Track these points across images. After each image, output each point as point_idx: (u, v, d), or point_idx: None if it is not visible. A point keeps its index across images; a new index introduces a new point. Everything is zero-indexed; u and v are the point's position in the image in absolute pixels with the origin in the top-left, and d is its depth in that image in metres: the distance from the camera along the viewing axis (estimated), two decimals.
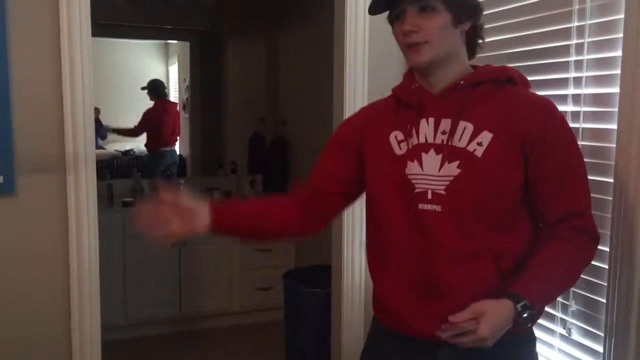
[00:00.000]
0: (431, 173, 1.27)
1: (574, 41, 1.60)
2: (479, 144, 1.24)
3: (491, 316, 1.13)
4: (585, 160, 1.56)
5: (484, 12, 1.37)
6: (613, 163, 1.48)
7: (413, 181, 1.28)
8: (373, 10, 1.34)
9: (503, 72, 1.30)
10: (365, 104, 2.27)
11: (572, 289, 1.61)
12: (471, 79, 1.28)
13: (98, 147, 4.08)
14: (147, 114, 4.37)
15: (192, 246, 3.73)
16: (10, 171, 1.92)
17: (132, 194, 3.89)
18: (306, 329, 3.05)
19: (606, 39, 1.52)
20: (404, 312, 1.32)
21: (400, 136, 1.32)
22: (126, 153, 4.56)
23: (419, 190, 1.27)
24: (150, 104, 4.38)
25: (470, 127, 1.26)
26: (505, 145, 1.24)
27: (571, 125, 1.58)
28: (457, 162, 1.25)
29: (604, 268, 1.53)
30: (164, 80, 4.54)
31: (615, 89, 1.48)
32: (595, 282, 1.56)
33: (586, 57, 1.57)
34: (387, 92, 1.45)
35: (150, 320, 3.64)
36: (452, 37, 1.27)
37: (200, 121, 4.48)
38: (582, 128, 1.59)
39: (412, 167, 1.29)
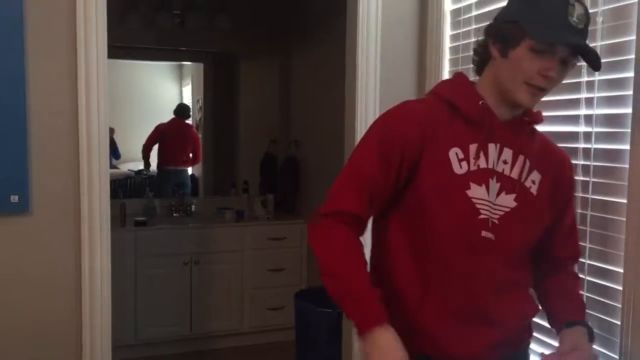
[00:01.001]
0: (491, 200, 1.25)
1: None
2: (533, 182, 1.29)
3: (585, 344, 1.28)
4: (597, 180, 1.58)
5: None
6: (626, 184, 1.48)
7: (477, 205, 1.23)
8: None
9: (541, 117, 1.32)
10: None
11: (587, 310, 1.59)
12: (531, 118, 1.30)
13: (112, 166, 4.12)
14: (158, 128, 4.43)
15: (204, 265, 3.73)
16: (25, 191, 1.95)
17: (144, 213, 3.91)
18: (317, 349, 3.03)
19: (618, 59, 1.52)
20: (449, 338, 1.26)
21: (461, 154, 1.24)
22: (139, 172, 4.59)
23: (483, 216, 1.24)
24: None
25: (527, 164, 1.29)
26: (548, 189, 1.31)
27: (583, 145, 1.60)
28: (514, 195, 1.26)
29: (618, 290, 1.51)
30: (177, 101, 4.60)
31: (628, 110, 1.47)
32: (609, 303, 1.54)
33: (598, 77, 1.57)
34: None
35: (160, 340, 3.63)
36: None
37: (213, 141, 4.51)
38: (594, 148, 1.58)
39: (478, 191, 1.23)
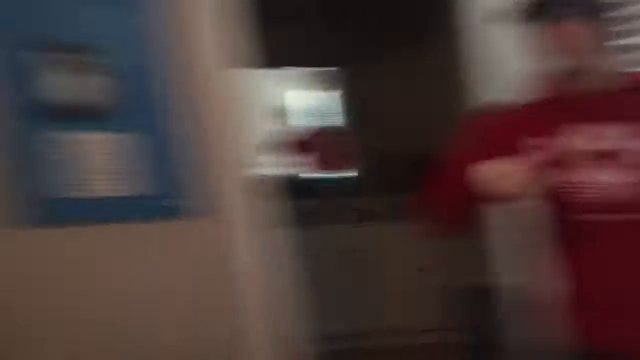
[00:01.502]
0: (611, 181, 1.26)
1: None
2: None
3: None
4: None
5: None
6: None
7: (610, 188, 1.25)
8: None
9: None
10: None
11: None
12: (626, 85, 1.32)
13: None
14: (296, 138, 4.68)
15: (360, 262, 3.78)
16: (200, 194, 2.06)
17: (305, 214, 4.04)
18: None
19: None
20: None
21: (567, 138, 1.29)
22: (294, 177, 4.76)
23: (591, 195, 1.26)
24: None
25: (627, 130, 1.27)
26: None
27: None
28: (617, 168, 1.25)
29: None
30: (322, 106, 4.74)
31: None
32: None
33: None
34: None
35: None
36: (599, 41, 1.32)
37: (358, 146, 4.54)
38: None
39: (592, 175, 1.27)
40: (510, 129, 1.36)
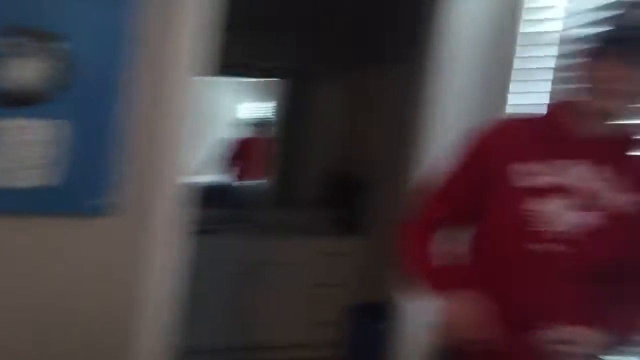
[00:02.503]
0: (569, 214, 1.29)
1: None
2: (623, 200, 1.29)
3: None
4: None
5: None
6: None
7: (546, 219, 1.29)
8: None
9: (635, 134, 1.37)
10: (447, 139, 2.15)
11: None
12: (623, 135, 1.34)
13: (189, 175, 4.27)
14: (236, 143, 4.60)
15: (261, 277, 3.78)
16: (116, 192, 2.05)
17: (209, 222, 3.91)
18: None
19: None
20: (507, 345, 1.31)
21: (536, 168, 1.31)
22: (213, 183, 4.71)
23: (551, 229, 1.29)
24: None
25: (616, 181, 1.30)
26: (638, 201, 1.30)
27: None
28: (598, 213, 1.28)
29: None
30: (248, 116, 4.75)
31: None
32: None
33: None
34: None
35: (207, 348, 3.65)
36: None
37: (286, 156, 4.58)
38: None
39: (550, 204, 1.29)
40: (504, 150, 1.37)
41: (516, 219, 1.30)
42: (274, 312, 3.86)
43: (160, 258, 2.16)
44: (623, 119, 1.32)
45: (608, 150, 1.31)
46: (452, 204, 1.43)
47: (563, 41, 2.04)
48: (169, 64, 2.09)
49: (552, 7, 2.14)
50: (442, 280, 1.39)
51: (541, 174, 1.30)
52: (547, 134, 1.34)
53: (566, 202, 1.28)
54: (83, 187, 2.02)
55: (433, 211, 1.46)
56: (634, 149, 1.35)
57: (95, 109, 2.00)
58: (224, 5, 2.19)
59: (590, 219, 1.27)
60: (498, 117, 1.55)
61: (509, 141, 1.37)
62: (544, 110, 1.45)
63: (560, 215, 1.28)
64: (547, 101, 1.78)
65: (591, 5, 1.93)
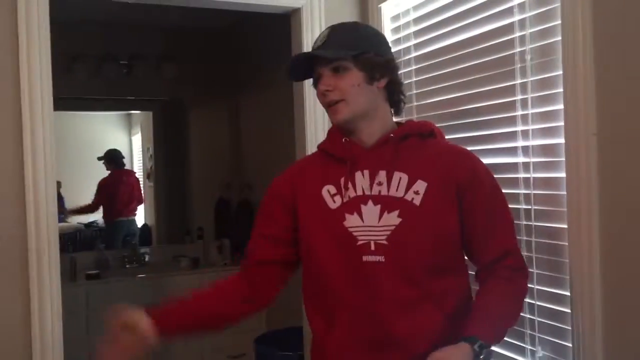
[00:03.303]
0: (372, 224, 1.30)
1: (519, 97, 1.70)
2: (416, 193, 1.31)
3: None
4: (538, 207, 1.65)
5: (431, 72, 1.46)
6: (565, 209, 1.55)
7: (354, 233, 1.31)
8: (294, 77, 1.45)
9: (427, 127, 1.41)
10: None
11: (538, 334, 1.65)
12: (400, 133, 1.36)
13: (60, 220, 4.02)
14: (101, 184, 4.35)
15: None
16: None
17: (96, 266, 3.81)
18: None
19: (548, 93, 1.62)
20: None
21: (333, 190, 1.35)
22: (89, 225, 4.49)
23: (362, 242, 1.30)
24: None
25: (405, 177, 1.32)
26: (441, 192, 1.32)
27: (523, 175, 1.68)
28: (397, 212, 1.30)
29: (566, 312, 1.57)
30: (127, 150, 4.55)
31: (561, 140, 1.56)
32: (559, 326, 1.59)
33: (531, 111, 1.66)
34: None
35: None
36: (368, 94, 1.34)
37: (165, 189, 4.47)
38: (533, 178, 1.66)
39: (352, 220, 1.31)
40: (290, 184, 1.43)
41: (343, 238, 1.31)
42: (179, 350, 3.66)
43: (37, 311, 1.98)
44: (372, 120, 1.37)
45: (390, 151, 1.34)
46: (271, 242, 1.44)
47: None
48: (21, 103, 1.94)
49: None
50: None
51: (346, 190, 1.33)
52: (339, 154, 1.38)
53: (373, 210, 1.31)
54: None
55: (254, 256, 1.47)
56: (427, 140, 1.39)
57: None
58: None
59: (393, 221, 1.29)
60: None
61: (308, 175, 1.42)
62: None
63: (376, 224, 1.30)
64: None
65: None
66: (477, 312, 1.31)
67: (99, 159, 4.30)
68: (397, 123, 1.43)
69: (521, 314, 1.50)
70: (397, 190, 1.31)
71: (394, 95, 1.40)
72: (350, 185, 1.33)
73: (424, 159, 1.35)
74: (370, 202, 1.31)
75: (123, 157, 4.44)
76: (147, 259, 4.07)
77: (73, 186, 4.29)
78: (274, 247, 1.42)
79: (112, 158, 4.36)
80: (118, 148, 4.46)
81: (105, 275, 3.70)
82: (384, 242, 1.29)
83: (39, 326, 1.97)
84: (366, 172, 1.34)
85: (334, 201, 1.34)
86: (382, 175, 1.32)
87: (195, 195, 4.42)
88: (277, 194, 1.45)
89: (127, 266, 3.99)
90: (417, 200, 1.30)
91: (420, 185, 1.31)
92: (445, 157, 1.36)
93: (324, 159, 1.41)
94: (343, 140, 1.37)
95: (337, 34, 1.35)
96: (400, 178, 1.32)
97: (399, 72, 1.45)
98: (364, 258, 1.29)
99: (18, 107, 1.94)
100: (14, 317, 1.96)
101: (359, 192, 1.33)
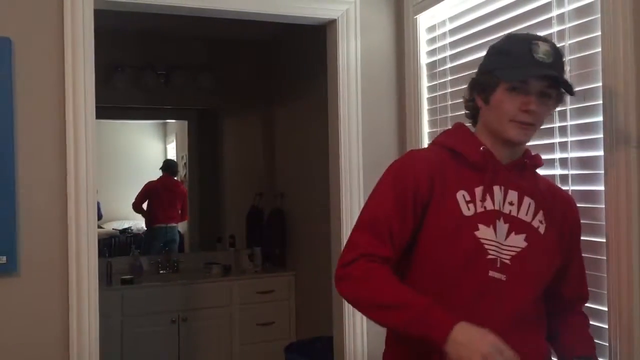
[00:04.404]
0: (500, 241, 1.29)
1: (557, 108, 1.67)
2: (540, 222, 1.33)
3: None
4: None
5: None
6: (603, 223, 1.53)
7: (485, 246, 1.28)
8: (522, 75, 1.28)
9: (541, 160, 1.42)
10: (361, 174, 2.36)
11: None
12: (532, 160, 1.39)
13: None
14: (147, 186, 4.45)
15: (192, 322, 3.69)
16: (13, 251, 1.94)
17: (130, 272, 3.88)
18: None
19: (587, 105, 1.60)
20: None
21: (468, 196, 1.30)
22: (124, 231, 4.58)
23: (491, 257, 1.28)
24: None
25: (533, 204, 1.33)
26: (558, 229, 1.36)
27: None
28: (524, 235, 1.31)
29: (604, 328, 1.54)
30: (161, 158, 4.63)
31: (599, 152, 1.54)
32: (597, 342, 1.56)
33: (569, 123, 1.65)
34: (382, 161, 1.49)
35: None
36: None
37: (199, 197, 4.53)
38: (571, 190, 1.64)
39: (485, 232, 1.28)
40: (429, 179, 1.31)
41: (473, 247, 1.28)
42: (209, 357, 3.72)
43: (76, 313, 2.02)
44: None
45: (520, 174, 1.35)
46: (393, 242, 1.30)
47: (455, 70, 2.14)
48: (65, 112, 2.00)
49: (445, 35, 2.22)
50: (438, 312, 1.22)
51: (482, 200, 1.30)
52: (477, 161, 1.33)
53: (502, 228, 1.30)
54: None
55: (373, 247, 1.30)
56: (536, 171, 1.42)
57: None
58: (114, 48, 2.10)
59: (519, 243, 1.30)
60: (410, 149, 1.52)
61: (444, 172, 1.33)
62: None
63: (503, 242, 1.29)
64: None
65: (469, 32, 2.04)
66: (583, 335, 1.43)
67: (160, 168, 4.46)
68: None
69: None
70: (526, 214, 1.32)
71: None
72: (488, 197, 1.31)
73: (542, 191, 1.37)
74: (502, 219, 1.30)
75: (176, 167, 4.55)
76: (179, 265, 4.13)
77: (108, 193, 4.39)
78: (392, 247, 1.30)
79: (168, 166, 4.51)
80: (153, 156, 4.56)
81: (139, 280, 3.76)
82: (507, 261, 1.28)
83: (77, 328, 2.02)
84: (502, 187, 1.32)
85: (469, 208, 1.30)
86: (513, 195, 1.32)
87: (227, 203, 4.47)
88: (415, 185, 1.31)
89: (161, 272, 4.05)
90: (542, 229, 1.33)
91: (543, 216, 1.34)
92: (561, 199, 1.42)
93: (455, 160, 1.35)
94: (481, 148, 1.34)
95: (558, 57, 1.30)
96: (529, 203, 1.33)
97: None
98: (490, 273, 1.27)
99: (62, 115, 2.01)
100: (53, 320, 2.01)
101: (496, 206, 1.31)
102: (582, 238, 1.59)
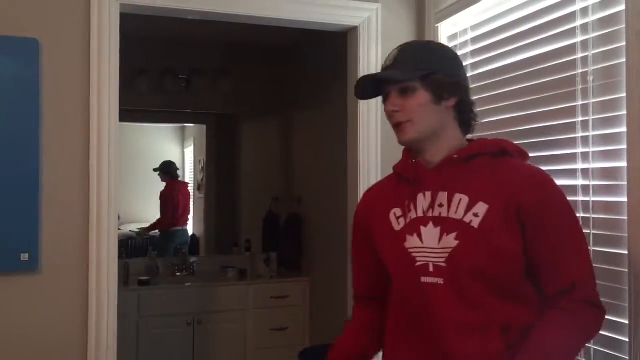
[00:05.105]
0: (431, 246, 1.29)
1: (580, 118, 1.67)
2: (475, 215, 1.27)
3: None
4: (597, 232, 1.60)
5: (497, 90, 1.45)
6: (626, 235, 1.51)
7: (414, 254, 1.31)
8: (362, 96, 1.44)
9: (496, 145, 1.33)
10: (379, 179, 2.36)
11: None
12: (464, 153, 1.33)
13: None
14: (163, 196, 4.48)
15: (207, 325, 3.70)
16: (35, 250, 1.98)
17: (147, 273, 3.91)
18: None
19: (610, 116, 1.59)
20: None
21: (399, 212, 1.36)
22: (140, 233, 4.62)
23: (420, 263, 1.30)
24: (162, 185, 4.52)
25: (465, 199, 1.29)
26: (502, 215, 1.26)
27: (582, 198, 1.64)
28: (454, 234, 1.28)
29: (624, 341, 1.52)
30: (179, 162, 4.67)
31: (623, 163, 1.53)
32: (616, 355, 1.55)
33: (592, 133, 1.64)
34: None
35: None
36: (435, 114, 1.32)
37: (215, 201, 4.56)
38: (593, 201, 1.63)
39: (412, 241, 1.32)
40: (377, 206, 1.43)
41: (404, 258, 1.33)
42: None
43: (95, 312, 2.06)
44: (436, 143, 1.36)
45: (456, 172, 1.32)
46: (363, 280, 1.53)
47: None
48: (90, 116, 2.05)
49: None
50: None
51: (408, 212, 1.35)
52: (406, 174, 1.40)
53: (433, 232, 1.31)
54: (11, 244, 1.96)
55: (358, 290, 1.55)
56: (497, 160, 1.33)
57: (14, 165, 1.96)
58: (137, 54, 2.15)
59: (450, 243, 1.28)
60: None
61: (381, 197, 1.45)
62: None
63: (436, 246, 1.30)
64: None
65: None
66: (529, 343, 1.23)
67: (155, 170, 4.43)
68: (469, 141, 1.39)
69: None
70: (456, 212, 1.29)
71: (464, 114, 1.37)
72: (412, 206, 1.34)
73: (490, 179, 1.30)
74: (430, 224, 1.30)
75: (177, 169, 4.57)
76: (195, 268, 4.15)
77: (126, 196, 4.43)
78: (372, 283, 1.49)
79: (167, 169, 4.49)
80: (171, 159, 4.60)
81: (155, 281, 3.79)
82: (443, 264, 1.28)
83: (96, 327, 2.05)
84: (428, 193, 1.33)
85: (399, 223, 1.36)
86: (443, 196, 1.31)
87: (244, 207, 4.49)
88: (357, 223, 1.50)
89: (177, 274, 4.08)
90: (476, 223, 1.26)
91: (481, 208, 1.27)
92: (510, 178, 1.29)
93: (397, 180, 1.43)
94: (410, 161, 1.39)
95: (406, 54, 1.35)
96: (460, 199, 1.29)
97: (469, 91, 1.41)
98: (423, 279, 1.29)
99: (87, 116, 2.04)
100: (73, 318, 2.04)
101: (420, 214, 1.32)
102: (603, 249, 1.58)
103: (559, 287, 1.26)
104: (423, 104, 1.31)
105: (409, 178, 1.37)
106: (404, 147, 1.42)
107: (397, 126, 1.34)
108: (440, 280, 1.27)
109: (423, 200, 1.33)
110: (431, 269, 1.28)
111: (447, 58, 1.39)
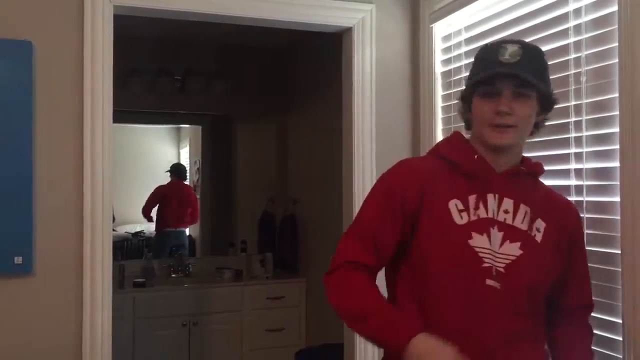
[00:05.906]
0: (494, 249, 1.28)
1: (573, 119, 1.68)
2: (537, 230, 1.32)
3: None
4: (590, 232, 1.61)
5: None
6: (619, 235, 1.52)
7: (480, 254, 1.27)
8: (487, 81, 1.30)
9: (542, 168, 1.39)
10: (374, 180, 2.36)
11: None
12: (531, 168, 1.37)
13: None
14: (158, 191, 4.48)
15: (203, 326, 3.70)
16: (29, 252, 1.97)
17: (142, 275, 3.91)
18: None
19: (603, 116, 1.59)
20: None
21: (460, 205, 1.30)
22: (136, 234, 4.61)
23: (486, 265, 1.27)
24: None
25: (529, 212, 1.32)
26: (556, 237, 1.33)
27: (575, 199, 1.65)
28: (519, 243, 1.29)
29: (617, 340, 1.52)
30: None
31: (615, 163, 1.54)
32: (610, 354, 1.55)
33: (585, 133, 1.64)
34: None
35: None
36: (531, 125, 1.32)
37: (211, 202, 4.55)
38: (586, 201, 1.63)
39: (480, 240, 1.27)
40: (419, 187, 1.31)
41: (467, 256, 1.27)
42: None
43: (89, 314, 2.05)
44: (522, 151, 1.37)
45: (516, 182, 1.33)
46: (378, 250, 1.32)
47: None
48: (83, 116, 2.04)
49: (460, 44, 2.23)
50: (401, 321, 1.24)
51: (475, 209, 1.30)
52: (471, 170, 1.33)
53: (497, 236, 1.29)
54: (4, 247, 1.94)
55: (357, 254, 1.32)
56: (537, 179, 1.39)
57: (7, 168, 1.94)
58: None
59: (514, 251, 1.28)
60: (405, 158, 1.51)
61: (435, 180, 1.33)
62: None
63: (497, 250, 1.28)
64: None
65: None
66: (581, 353, 1.39)
67: (167, 172, 4.48)
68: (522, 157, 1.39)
69: None
70: (522, 222, 1.30)
71: (537, 130, 1.37)
72: (481, 205, 1.30)
73: (540, 199, 1.35)
74: (496, 227, 1.29)
75: (186, 172, 4.59)
76: (191, 269, 4.14)
77: (121, 197, 4.41)
78: (378, 255, 1.32)
79: (177, 170, 4.54)
80: (166, 160, 4.60)
81: (151, 283, 3.78)
82: (502, 270, 1.27)
83: (90, 328, 2.04)
84: (496, 195, 1.31)
85: (461, 217, 1.29)
86: (508, 203, 1.31)
87: (240, 208, 4.48)
88: (403, 194, 1.32)
89: (173, 275, 4.07)
90: (538, 238, 1.31)
91: (541, 224, 1.32)
92: (559, 206, 1.39)
93: (449, 169, 1.34)
94: (475, 156, 1.33)
95: (529, 56, 1.28)
96: (525, 212, 1.31)
97: None
98: (488, 282, 1.26)
99: (80, 118, 2.04)
100: (67, 321, 2.03)
101: (490, 214, 1.30)
102: (596, 249, 1.59)
103: (583, 302, 1.42)
104: (532, 114, 1.30)
105: (476, 175, 1.32)
106: (458, 136, 1.39)
107: (498, 127, 1.28)
108: (498, 285, 1.26)
109: (493, 202, 1.31)
110: (494, 273, 1.26)
111: (548, 70, 1.36)
